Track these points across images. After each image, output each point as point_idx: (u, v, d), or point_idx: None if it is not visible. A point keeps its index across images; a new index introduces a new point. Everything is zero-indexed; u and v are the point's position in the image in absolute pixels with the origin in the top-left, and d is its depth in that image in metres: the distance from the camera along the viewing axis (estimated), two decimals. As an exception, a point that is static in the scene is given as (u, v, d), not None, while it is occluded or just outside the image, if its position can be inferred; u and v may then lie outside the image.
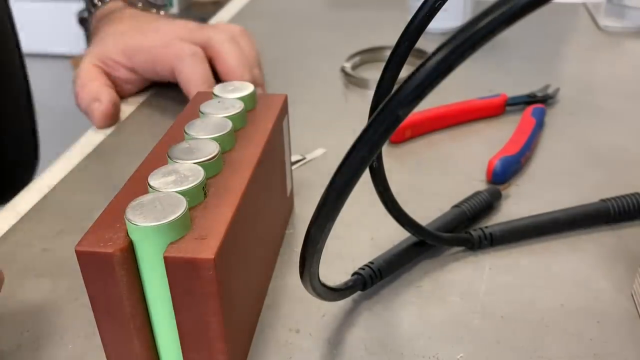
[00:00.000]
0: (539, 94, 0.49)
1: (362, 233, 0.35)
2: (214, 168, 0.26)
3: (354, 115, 0.49)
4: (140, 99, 0.52)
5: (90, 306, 0.23)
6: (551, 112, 0.48)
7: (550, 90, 0.50)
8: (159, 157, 0.27)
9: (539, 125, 0.44)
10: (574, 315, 0.29)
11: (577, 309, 0.29)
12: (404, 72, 0.61)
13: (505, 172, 0.38)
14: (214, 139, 0.27)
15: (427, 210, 0.35)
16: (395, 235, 0.35)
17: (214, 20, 0.73)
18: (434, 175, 0.41)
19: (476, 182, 0.39)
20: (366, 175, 0.42)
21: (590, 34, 0.66)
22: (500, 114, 0.48)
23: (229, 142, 0.28)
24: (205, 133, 0.28)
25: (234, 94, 0.32)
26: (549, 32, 0.68)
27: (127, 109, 0.50)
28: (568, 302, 0.30)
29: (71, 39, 2.48)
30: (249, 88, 0.32)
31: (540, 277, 0.31)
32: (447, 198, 0.36)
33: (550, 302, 0.30)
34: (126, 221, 0.22)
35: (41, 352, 0.28)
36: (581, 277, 0.31)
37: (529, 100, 0.48)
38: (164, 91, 0.53)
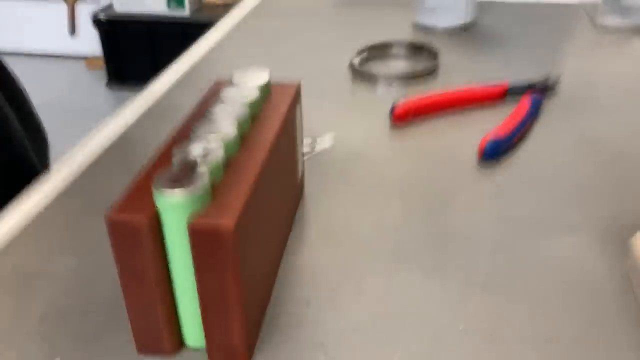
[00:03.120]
0: (540, 84, 0.51)
1: (369, 215, 0.37)
2: (232, 148, 0.28)
3: (361, 108, 0.51)
4: (163, 88, 0.54)
5: (114, 281, 0.25)
6: (550, 102, 0.50)
7: (550, 81, 0.52)
8: (183, 137, 0.29)
9: (534, 111, 0.46)
10: (569, 292, 0.30)
11: (571, 286, 0.31)
12: (408, 68, 0.63)
13: (494, 152, 0.41)
14: (233, 122, 0.29)
15: (424, 186, 0.37)
16: (398, 217, 0.36)
17: (228, 16, 0.75)
18: (430, 155, 0.43)
19: (467, 163, 0.42)
20: (377, 171, 0.44)
21: (588, 33, 0.68)
22: (502, 101, 0.50)
23: (246, 125, 0.30)
24: (224, 117, 0.30)
25: (250, 81, 0.34)
26: (548, 30, 0.70)
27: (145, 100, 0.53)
28: (563, 280, 0.31)
29: (86, 40, 2.51)
30: (264, 76, 0.34)
31: (537, 258, 0.33)
32: (441, 175, 0.38)
33: (546, 280, 0.31)
34: (154, 192, 0.24)
35: (66, 321, 0.30)
36: (576, 258, 0.33)
37: (529, 88, 0.50)
38: (183, 84, 0.55)
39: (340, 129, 0.47)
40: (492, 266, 0.32)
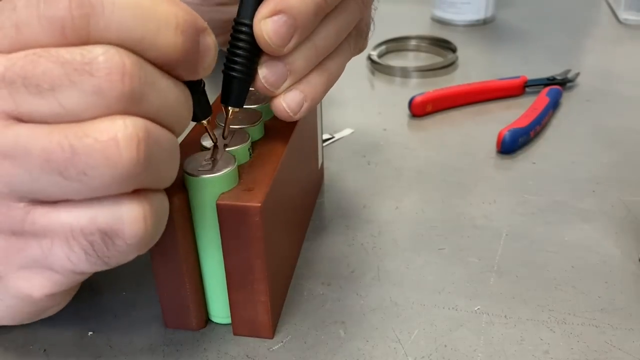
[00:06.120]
0: (559, 77, 0.51)
1: (388, 202, 0.38)
2: (257, 133, 0.29)
3: (379, 99, 0.52)
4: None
5: (142, 259, 0.26)
6: (569, 96, 0.51)
7: (570, 75, 0.52)
8: (209, 122, 0.30)
9: (552, 104, 0.47)
10: (584, 276, 0.31)
11: (586, 270, 0.32)
12: (427, 61, 0.63)
13: (513, 142, 0.42)
14: (257, 108, 0.30)
15: (442, 175, 0.38)
16: (417, 204, 0.37)
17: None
18: (449, 144, 0.44)
19: (486, 153, 0.43)
20: (395, 159, 0.45)
21: (610, 27, 0.68)
22: (520, 95, 0.51)
23: (269, 112, 0.31)
24: (249, 103, 0.31)
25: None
26: (570, 24, 0.70)
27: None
28: (578, 264, 0.32)
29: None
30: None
31: (553, 244, 0.34)
32: (459, 164, 0.39)
33: (561, 264, 0.32)
34: (184, 174, 0.25)
35: (97, 296, 0.31)
36: (591, 244, 0.34)
37: (548, 82, 0.51)
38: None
39: (359, 119, 0.48)
40: (508, 251, 0.33)
